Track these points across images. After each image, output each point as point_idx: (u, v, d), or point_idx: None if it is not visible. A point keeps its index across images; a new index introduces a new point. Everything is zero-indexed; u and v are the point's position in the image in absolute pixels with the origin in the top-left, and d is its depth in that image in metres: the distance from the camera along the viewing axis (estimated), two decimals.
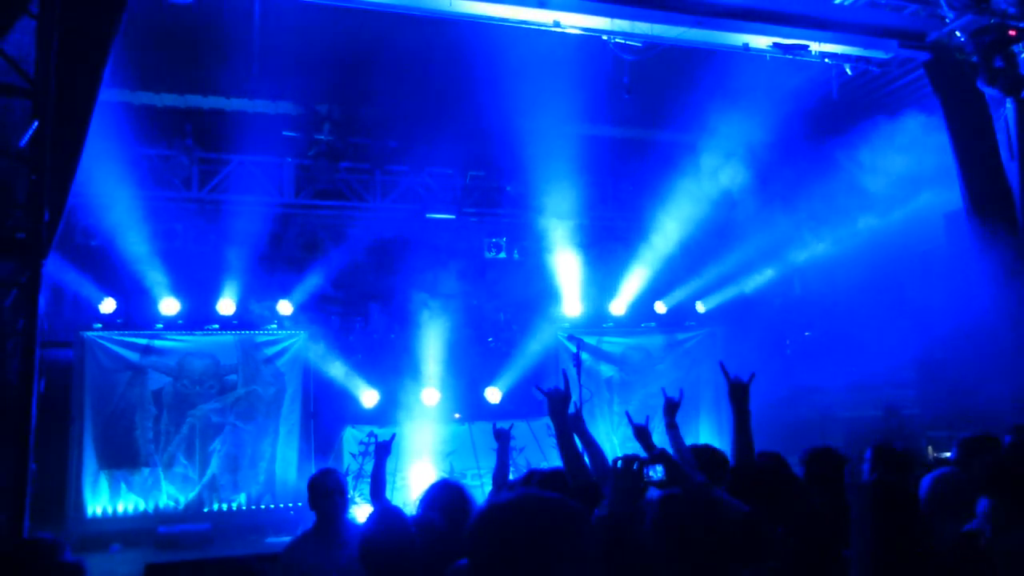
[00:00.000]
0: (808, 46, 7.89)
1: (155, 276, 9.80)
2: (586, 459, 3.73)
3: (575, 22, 7.44)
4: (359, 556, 3.07)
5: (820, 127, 9.62)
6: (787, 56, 7.91)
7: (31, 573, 2.60)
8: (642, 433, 4.13)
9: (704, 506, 2.41)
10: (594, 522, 2.63)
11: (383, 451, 4.92)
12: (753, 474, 3.32)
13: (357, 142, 10.82)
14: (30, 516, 5.45)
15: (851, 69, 8.30)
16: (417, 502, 3.91)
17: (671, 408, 4.20)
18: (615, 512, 2.61)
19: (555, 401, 3.38)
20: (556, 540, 1.78)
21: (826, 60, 8.11)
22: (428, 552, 3.05)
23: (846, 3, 7.94)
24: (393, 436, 5.15)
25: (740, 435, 3.84)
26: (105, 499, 9.35)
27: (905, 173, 8.53)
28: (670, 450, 3.83)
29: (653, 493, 2.90)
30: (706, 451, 4.15)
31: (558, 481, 3.50)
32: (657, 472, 2.82)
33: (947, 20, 8.01)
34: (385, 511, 3.25)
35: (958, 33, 7.96)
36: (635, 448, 4.11)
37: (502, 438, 5.03)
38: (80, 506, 9.20)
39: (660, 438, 4.11)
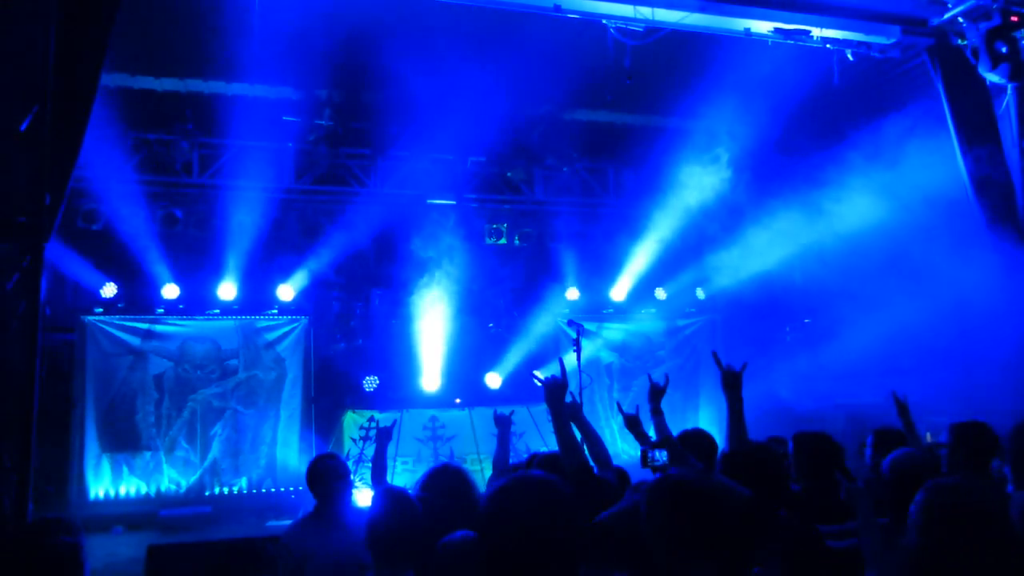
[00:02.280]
0: (810, 31, 7.86)
1: (156, 261, 9.83)
2: (585, 449, 3.75)
3: (575, 6, 7.41)
4: (366, 537, 3.08)
5: (822, 114, 9.59)
6: (788, 41, 7.87)
7: (27, 556, 2.58)
8: (633, 423, 4.16)
9: (719, 489, 2.43)
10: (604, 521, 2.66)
11: (385, 436, 4.95)
12: (745, 460, 3.36)
13: (357, 127, 10.77)
14: (33, 499, 5.49)
15: (852, 55, 8.27)
16: (417, 485, 3.93)
17: (656, 393, 4.21)
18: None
19: (552, 389, 3.39)
20: (561, 518, 1.83)
21: (827, 46, 8.07)
22: (429, 533, 3.07)
23: None
24: (395, 422, 5.18)
25: (733, 422, 3.88)
26: (107, 482, 9.42)
27: (906, 160, 8.50)
28: (654, 437, 3.88)
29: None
30: (696, 435, 4.18)
31: (557, 464, 3.53)
32: (661, 456, 2.84)
33: (949, 5, 7.97)
34: (391, 492, 3.25)
35: (960, 19, 7.93)
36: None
37: (503, 423, 5.05)
38: (83, 489, 9.28)
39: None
